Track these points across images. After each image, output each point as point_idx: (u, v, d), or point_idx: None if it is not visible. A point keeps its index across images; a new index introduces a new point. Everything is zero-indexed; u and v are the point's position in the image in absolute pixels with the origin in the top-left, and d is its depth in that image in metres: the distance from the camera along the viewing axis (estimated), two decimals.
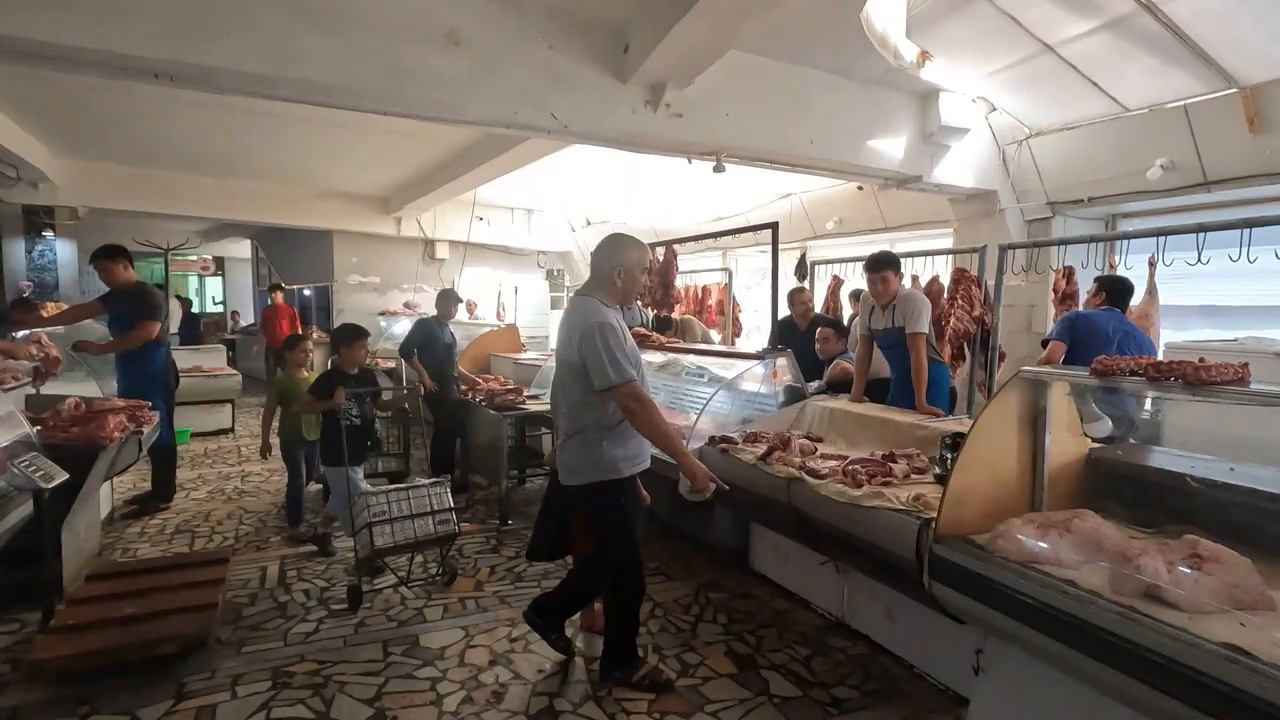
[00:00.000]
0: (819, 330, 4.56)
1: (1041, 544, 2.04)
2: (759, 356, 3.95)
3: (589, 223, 12.85)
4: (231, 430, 7.54)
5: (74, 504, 3.31)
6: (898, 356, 3.79)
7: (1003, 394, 2.28)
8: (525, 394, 5.06)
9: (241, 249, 15.87)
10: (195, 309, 14.35)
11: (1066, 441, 2.42)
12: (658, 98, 4.44)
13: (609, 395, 2.41)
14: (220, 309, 16.93)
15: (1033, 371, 2.31)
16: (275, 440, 4.42)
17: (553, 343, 11.25)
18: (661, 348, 4.76)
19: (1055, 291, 4.57)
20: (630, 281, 2.65)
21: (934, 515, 2.29)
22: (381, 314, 10.94)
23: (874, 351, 3.98)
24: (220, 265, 17.48)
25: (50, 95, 6.34)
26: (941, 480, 2.72)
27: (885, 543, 2.44)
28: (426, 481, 3.68)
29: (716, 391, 4.01)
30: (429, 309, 11.79)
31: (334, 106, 3.90)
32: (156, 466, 4.75)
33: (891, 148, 5.44)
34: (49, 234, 8.59)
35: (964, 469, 2.21)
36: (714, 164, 4.97)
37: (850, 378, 4.09)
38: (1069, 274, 4.49)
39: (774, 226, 3.99)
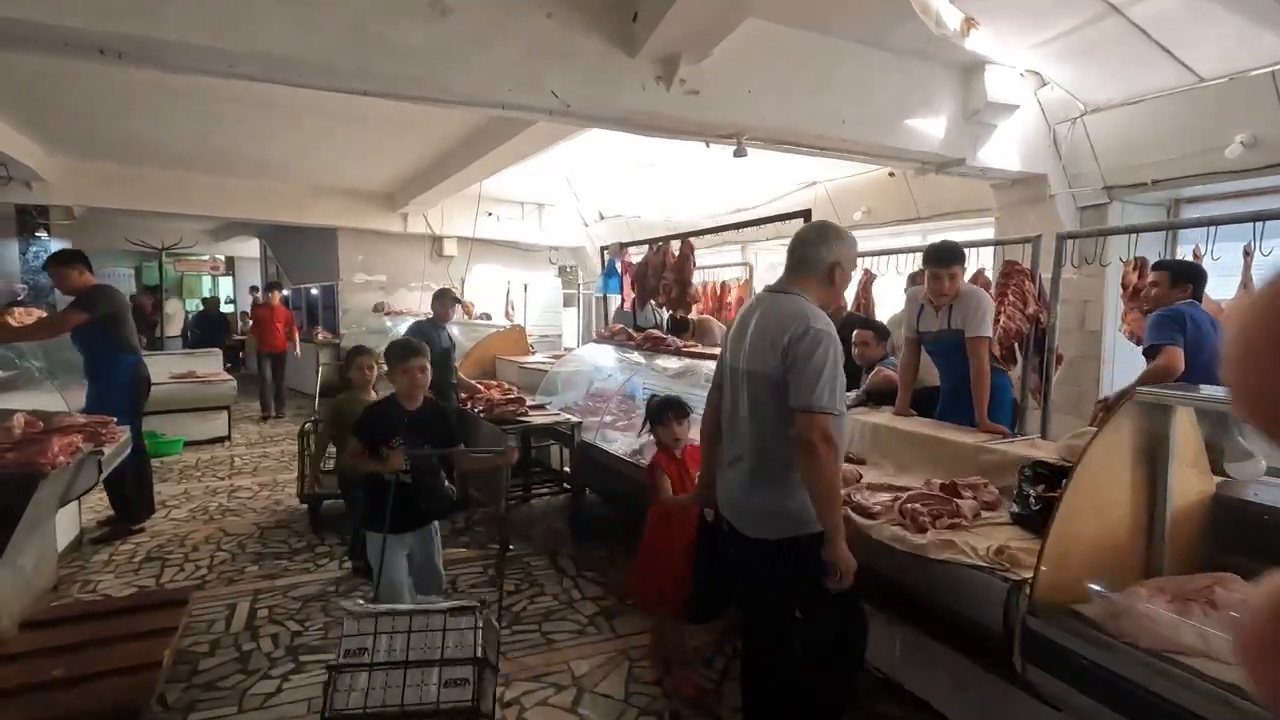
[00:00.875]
0: (856, 332, 4.04)
1: (1180, 623, 1.54)
2: None
3: (601, 217, 12.38)
4: (227, 438, 7.19)
5: (12, 540, 2.92)
6: (951, 363, 3.28)
7: (1116, 421, 1.78)
8: (530, 403, 4.62)
9: (250, 248, 15.61)
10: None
11: (1189, 480, 1.92)
12: (670, 72, 3.96)
13: (803, 420, 1.87)
14: (231, 308, 16.72)
15: (1154, 393, 1.80)
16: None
17: (570, 341, 10.81)
18: (678, 353, 4.29)
19: (1125, 286, 4.03)
20: (844, 282, 2.14)
21: (1025, 576, 1.81)
22: (386, 313, 10.57)
23: (920, 357, 3.48)
24: (231, 265, 17.27)
25: (40, 92, 6.02)
26: (1021, 521, 2.22)
27: (961, 606, 1.95)
28: (444, 606, 2.24)
29: None
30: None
31: (304, 85, 3.46)
32: (120, 487, 4.34)
33: (931, 127, 4.90)
34: (43, 235, 8.30)
35: (1068, 517, 1.72)
36: (734, 148, 4.48)
37: (893, 387, 3.59)
38: (1141, 266, 3.95)
39: (807, 214, 3.50)
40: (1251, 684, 0.29)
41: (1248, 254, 3.58)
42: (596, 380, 5.33)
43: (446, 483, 2.79)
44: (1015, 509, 2.29)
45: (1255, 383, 0.27)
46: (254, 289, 11.17)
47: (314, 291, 12.09)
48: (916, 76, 4.82)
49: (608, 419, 4.60)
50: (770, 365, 1.95)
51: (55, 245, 8.51)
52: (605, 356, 5.37)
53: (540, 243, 12.36)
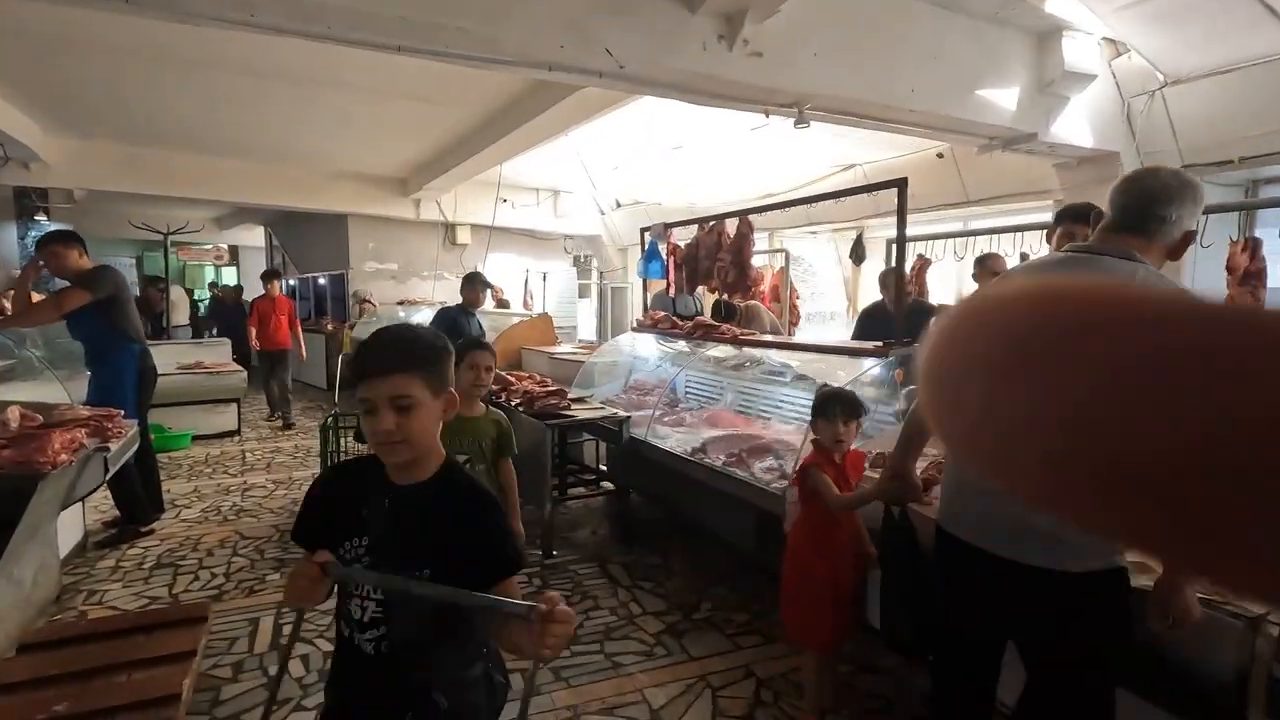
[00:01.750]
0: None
1: None
2: (880, 353, 3.08)
3: (619, 204, 12.00)
4: (237, 433, 6.84)
5: (8, 549, 2.57)
6: None
7: None
8: (569, 396, 4.26)
9: (255, 237, 15.24)
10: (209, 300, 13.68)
11: None
12: (734, 31, 3.58)
13: None
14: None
15: None
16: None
17: (585, 334, 10.44)
18: (737, 341, 3.92)
19: (1232, 270, 3.66)
20: (1184, 248, 1.62)
21: (1260, 613, 1.45)
22: (400, 302, 10.21)
23: None
24: (235, 254, 16.90)
25: (40, 65, 5.64)
26: None
27: (1172, 650, 1.59)
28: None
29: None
30: (445, 298, 11.17)
31: (333, 39, 3.08)
32: (126, 486, 3.97)
33: (1003, 99, 4.52)
34: (42, 218, 7.93)
35: None
36: (795, 118, 4.11)
37: None
38: (1253, 247, 3.58)
39: (901, 184, 3.12)
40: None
41: None
42: (637, 372, 4.97)
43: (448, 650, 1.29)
44: None
45: (947, 400, 0.21)
46: (270, 274, 10.75)
47: (321, 281, 11.72)
48: (990, 43, 4.44)
49: (655, 413, 4.24)
50: None
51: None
52: (646, 346, 5.02)
53: (556, 231, 11.99)
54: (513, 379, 4.75)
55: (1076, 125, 4.87)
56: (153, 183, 8.48)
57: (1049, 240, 4.21)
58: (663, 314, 4.72)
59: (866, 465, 2.55)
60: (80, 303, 3.78)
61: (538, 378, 4.97)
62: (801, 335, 8.45)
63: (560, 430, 4.42)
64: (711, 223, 4.20)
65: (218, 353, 7.20)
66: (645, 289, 5.19)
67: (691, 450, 3.41)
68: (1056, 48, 4.52)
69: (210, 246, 16.09)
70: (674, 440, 3.75)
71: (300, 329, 7.87)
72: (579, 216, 12.00)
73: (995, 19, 4.39)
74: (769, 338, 3.75)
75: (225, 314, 11.63)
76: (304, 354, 7.92)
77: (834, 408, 2.23)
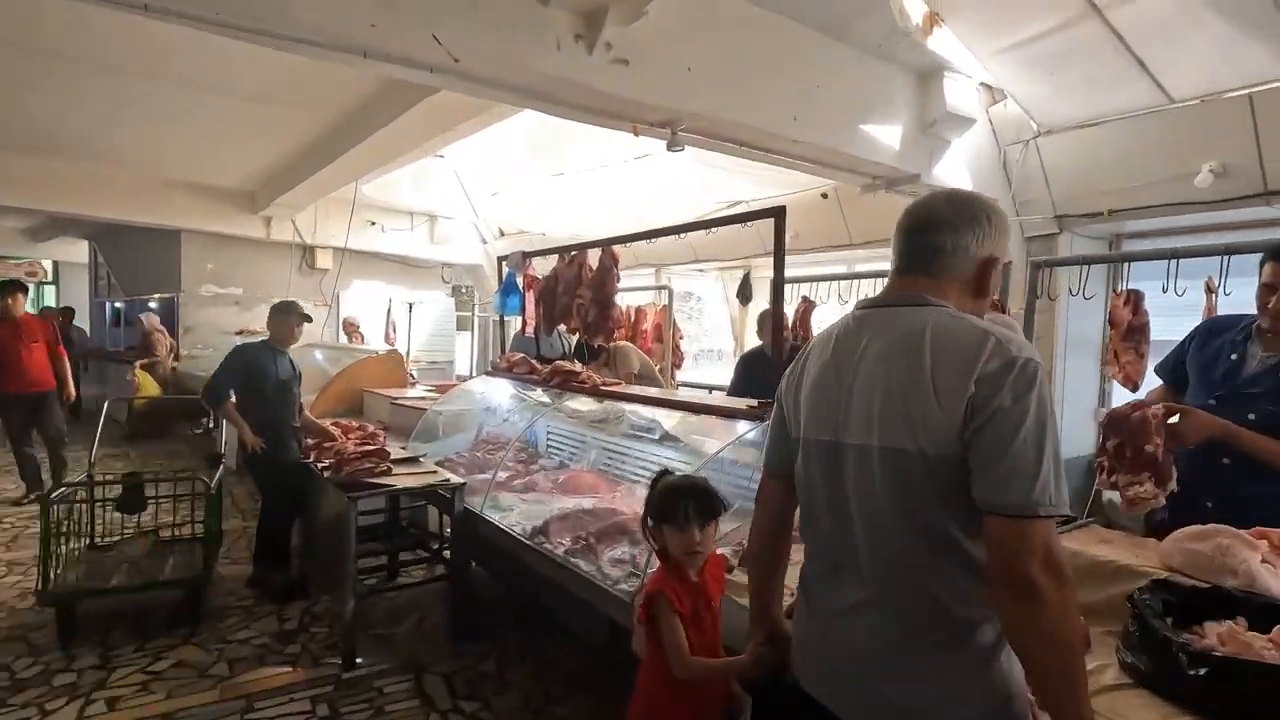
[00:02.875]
0: None
1: None
2: (754, 415, 2.53)
3: (502, 233, 11.31)
4: None
5: None
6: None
7: None
8: (400, 453, 3.49)
9: (79, 252, 13.25)
10: None
11: None
12: (594, 32, 3.06)
13: (1010, 533, 1.02)
14: None
15: None
16: None
17: (463, 369, 9.52)
18: (597, 392, 3.32)
19: (1115, 324, 3.48)
20: (995, 288, 1.32)
21: None
22: (239, 332, 8.94)
23: None
24: (56, 272, 14.68)
25: None
26: (1153, 685, 1.41)
27: None
28: None
29: (703, 465, 2.58)
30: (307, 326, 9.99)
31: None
32: None
33: (887, 136, 4.28)
34: None
35: None
36: (668, 140, 3.63)
37: None
38: (1135, 300, 3.41)
39: (779, 213, 2.65)
40: None
41: (1210, 290, 3.10)
42: (489, 424, 4.27)
43: None
44: (1132, 660, 1.47)
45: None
46: (10, 286, 9.17)
47: (152, 305, 10.18)
48: (875, 77, 4.19)
49: (501, 475, 3.55)
50: (929, 435, 1.09)
51: None
52: (501, 393, 4.33)
53: (433, 259, 11.11)
54: (333, 432, 3.91)
55: (957, 170, 4.72)
56: None
57: None
58: (519, 356, 4.06)
59: (731, 567, 1.98)
60: None
61: (367, 429, 4.16)
62: (687, 375, 8.04)
63: (391, 499, 3.65)
64: (572, 253, 3.62)
65: None
66: (504, 326, 4.51)
67: (532, 531, 2.74)
68: (938, 87, 4.35)
69: (23, 261, 13.86)
70: (517, 514, 3.07)
71: (67, 358, 5.96)
72: (459, 244, 11.20)
73: (879, 53, 4.15)
74: (634, 390, 3.16)
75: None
76: (71, 391, 5.95)
77: (684, 508, 1.64)
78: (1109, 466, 2.19)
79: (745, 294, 8.44)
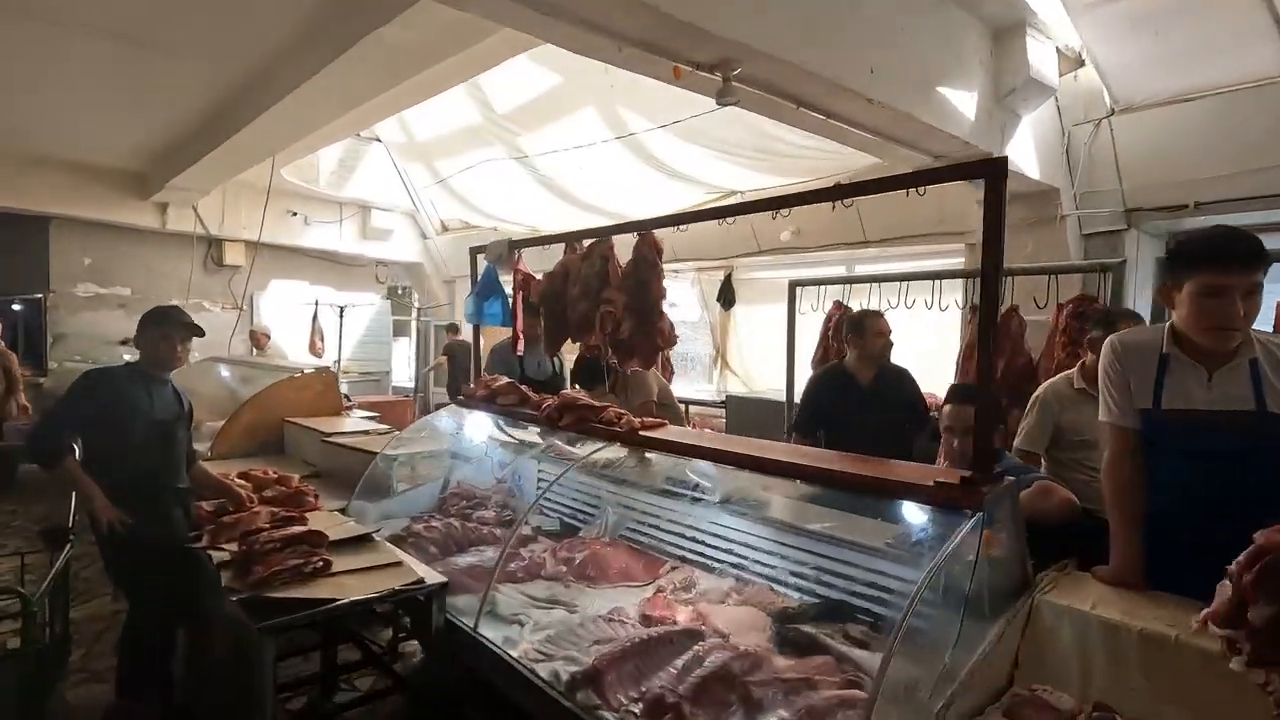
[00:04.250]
0: (956, 409, 2.23)
1: None
2: (971, 501, 1.53)
3: (445, 228, 10.08)
4: None
5: None
6: (1249, 476, 1.62)
7: None
8: (335, 528, 2.37)
9: None
10: None
11: None
12: None
13: None
14: None
15: None
16: None
17: (401, 379, 8.37)
18: (631, 439, 2.29)
19: None
20: None
21: None
22: (125, 342, 7.41)
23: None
24: None
25: None
26: None
27: None
28: None
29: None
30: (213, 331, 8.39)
31: None
32: None
33: (964, 103, 3.45)
34: None
35: None
36: (716, 88, 2.66)
37: (1064, 512, 1.91)
38: None
39: (994, 169, 1.69)
40: None
41: None
42: (462, 470, 3.19)
43: None
44: None
45: None
46: None
47: (16, 307, 8.40)
48: (950, 29, 3.36)
49: (490, 552, 2.50)
50: None
51: None
52: (477, 430, 3.24)
53: (364, 255, 9.76)
54: (239, 492, 2.74)
55: (1025, 151, 3.96)
56: None
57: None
58: (505, 382, 2.99)
59: None
60: None
61: (294, 482, 3.00)
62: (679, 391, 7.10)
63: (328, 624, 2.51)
64: (589, 241, 2.56)
65: None
66: (477, 338, 3.42)
67: (572, 680, 1.70)
68: (1019, 47, 3.55)
69: None
70: (532, 632, 2.02)
71: None
72: (397, 240, 9.91)
73: None
74: (731, 448, 2.07)
75: None
76: None
77: None
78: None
79: (729, 298, 7.60)
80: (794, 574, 2.23)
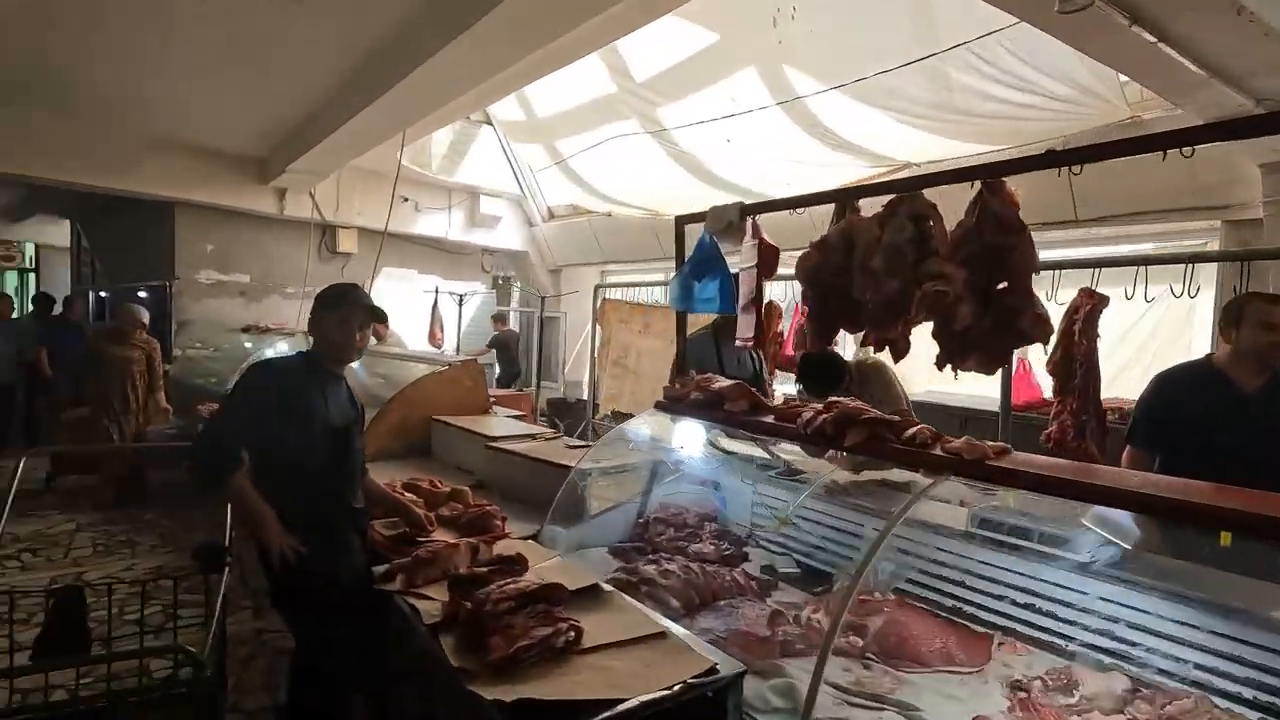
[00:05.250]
0: None
1: None
2: None
3: (552, 214, 9.65)
4: None
5: None
6: None
7: None
8: (560, 578, 1.81)
9: (60, 234, 11.56)
10: None
11: None
12: None
13: None
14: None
15: None
16: None
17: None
18: (990, 473, 1.61)
19: None
20: None
21: None
22: (247, 329, 7.29)
23: None
24: (36, 257, 13.00)
25: None
26: None
27: None
28: None
29: None
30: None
31: None
32: None
33: None
34: None
35: None
36: None
37: None
38: None
39: None
40: None
41: None
42: (665, 491, 2.62)
43: None
44: None
45: None
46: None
47: (142, 294, 8.48)
48: None
49: (742, 614, 1.90)
50: None
51: None
52: (682, 441, 2.65)
53: (471, 243, 9.43)
54: (420, 514, 2.24)
55: None
56: None
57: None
58: (730, 383, 2.38)
59: None
60: None
61: (473, 501, 2.49)
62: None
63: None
64: (895, 199, 1.85)
65: None
66: (682, 326, 2.83)
67: None
68: None
69: None
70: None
71: None
72: (503, 227, 9.53)
73: None
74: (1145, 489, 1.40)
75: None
76: None
77: None
78: None
79: None
80: (1235, 677, 1.52)
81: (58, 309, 7.88)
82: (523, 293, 9.76)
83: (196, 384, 6.47)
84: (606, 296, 7.05)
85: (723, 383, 2.42)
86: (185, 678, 1.76)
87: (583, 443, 3.09)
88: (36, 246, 12.74)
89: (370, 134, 5.73)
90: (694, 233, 2.61)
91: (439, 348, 6.92)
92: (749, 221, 2.33)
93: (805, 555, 2.40)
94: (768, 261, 2.26)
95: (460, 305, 6.94)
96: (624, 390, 6.62)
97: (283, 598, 2.01)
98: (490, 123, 8.53)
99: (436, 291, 7.60)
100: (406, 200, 8.60)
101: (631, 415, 6.48)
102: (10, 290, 13.49)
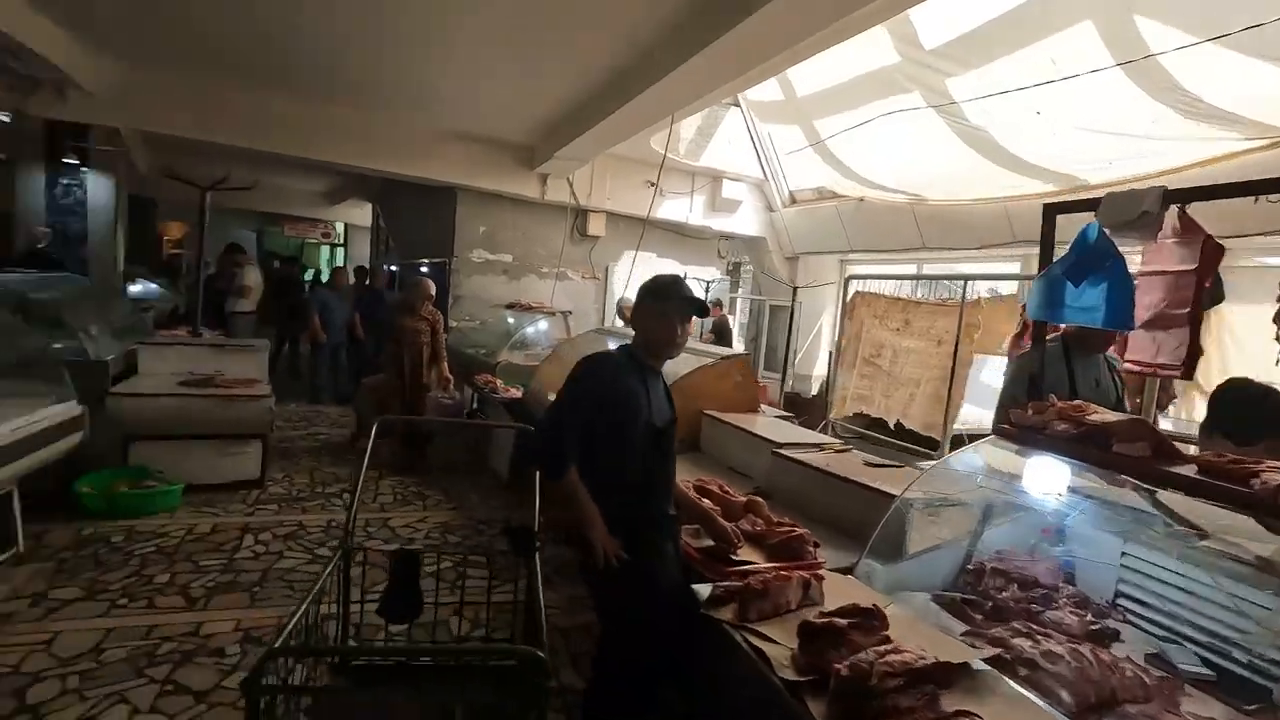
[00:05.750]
0: None
1: None
2: None
3: (794, 199, 9.20)
4: (259, 484, 4.61)
5: None
6: None
7: None
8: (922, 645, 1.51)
9: (364, 215, 13.62)
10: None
11: None
12: None
13: None
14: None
15: None
16: None
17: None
18: None
19: None
20: None
21: None
22: (511, 306, 7.90)
23: None
24: (345, 234, 15.48)
25: None
26: None
27: None
28: None
29: None
30: (565, 304, 8.65)
31: None
32: None
33: None
34: (78, 163, 6.14)
35: None
36: None
37: None
38: None
39: None
40: None
41: None
42: (998, 538, 2.19)
43: None
44: None
45: None
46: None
47: (424, 270, 9.64)
48: None
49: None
50: None
51: (94, 180, 6.37)
52: (1033, 476, 2.18)
53: (709, 227, 9.33)
54: (728, 528, 2.07)
55: None
56: (220, 127, 6.54)
57: None
58: (1078, 411, 1.88)
59: None
60: None
61: (769, 518, 2.27)
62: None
63: None
64: None
65: (240, 363, 5.00)
66: (1040, 337, 2.34)
67: None
68: None
69: (318, 222, 14.67)
70: None
71: None
72: (742, 212, 9.31)
73: None
74: None
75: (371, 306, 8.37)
76: None
77: None
78: None
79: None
80: None
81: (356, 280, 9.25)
82: (762, 280, 9.47)
83: (467, 354, 7.16)
84: (859, 289, 6.52)
85: (1105, 414, 1.92)
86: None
87: (883, 461, 2.72)
88: (346, 225, 15.17)
89: (635, 123, 5.80)
90: (1070, 225, 2.10)
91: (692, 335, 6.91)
92: (1177, 211, 1.79)
93: (1212, 648, 1.84)
94: (1210, 263, 1.71)
95: (707, 292, 6.82)
96: (875, 393, 6.07)
97: (600, 600, 1.95)
98: (738, 104, 8.31)
99: (685, 278, 7.56)
100: (653, 185, 8.73)
101: (882, 420, 5.99)
102: (323, 263, 16.28)
